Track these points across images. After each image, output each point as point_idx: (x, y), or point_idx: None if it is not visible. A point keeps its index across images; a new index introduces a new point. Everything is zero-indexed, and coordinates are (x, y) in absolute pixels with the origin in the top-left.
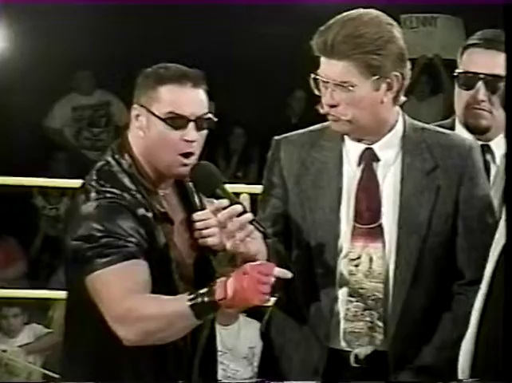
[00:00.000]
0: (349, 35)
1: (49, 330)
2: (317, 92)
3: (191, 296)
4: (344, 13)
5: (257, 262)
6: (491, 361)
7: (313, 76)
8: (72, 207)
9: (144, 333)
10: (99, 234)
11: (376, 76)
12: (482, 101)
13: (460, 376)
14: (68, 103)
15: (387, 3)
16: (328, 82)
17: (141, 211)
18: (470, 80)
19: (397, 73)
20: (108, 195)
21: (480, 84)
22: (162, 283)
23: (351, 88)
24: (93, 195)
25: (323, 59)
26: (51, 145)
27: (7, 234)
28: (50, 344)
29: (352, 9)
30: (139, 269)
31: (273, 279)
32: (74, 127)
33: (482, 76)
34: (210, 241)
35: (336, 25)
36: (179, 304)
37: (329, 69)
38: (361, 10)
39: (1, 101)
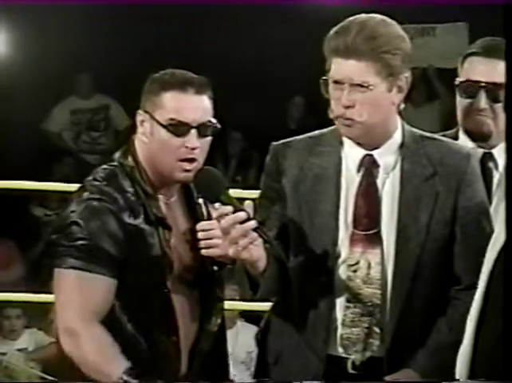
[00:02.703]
0: (369, 35)
1: (52, 340)
2: (326, 96)
3: (125, 373)
4: (353, 17)
5: None
6: (490, 366)
7: (323, 78)
8: (66, 205)
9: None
10: (78, 235)
11: (391, 77)
12: (484, 109)
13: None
14: (67, 106)
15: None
16: (343, 83)
17: (131, 217)
18: (471, 89)
19: (406, 75)
20: (99, 196)
21: (481, 92)
22: (152, 290)
23: (370, 87)
24: (86, 194)
25: (339, 60)
26: (50, 149)
27: (6, 237)
28: (52, 353)
29: (353, 14)
30: (102, 286)
31: None
32: (73, 131)
33: (483, 84)
34: (213, 252)
35: (354, 26)
36: (111, 371)
37: (347, 69)
38: (366, 15)
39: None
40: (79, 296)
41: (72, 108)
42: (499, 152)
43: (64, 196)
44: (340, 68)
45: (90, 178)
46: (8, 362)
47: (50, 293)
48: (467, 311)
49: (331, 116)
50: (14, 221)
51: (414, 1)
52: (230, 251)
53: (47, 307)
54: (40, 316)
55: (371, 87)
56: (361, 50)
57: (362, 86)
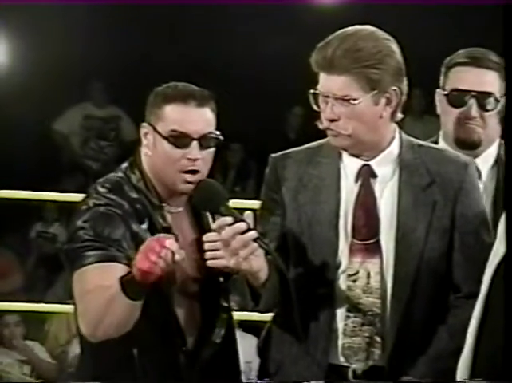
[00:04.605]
0: (349, 50)
1: (52, 362)
2: (316, 108)
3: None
4: (342, 30)
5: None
6: (491, 371)
7: (312, 91)
8: (71, 216)
9: (91, 321)
10: (84, 236)
11: (376, 91)
12: (475, 118)
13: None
14: (81, 110)
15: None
16: (328, 97)
17: (136, 223)
18: (460, 98)
19: (395, 88)
20: (105, 201)
21: (472, 101)
22: (155, 299)
23: (352, 101)
24: (92, 202)
25: (322, 74)
26: (55, 159)
27: (3, 247)
28: (45, 367)
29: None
30: (114, 269)
31: (165, 251)
32: (82, 135)
33: (473, 93)
34: (219, 263)
35: (334, 41)
36: (115, 283)
37: (329, 83)
38: (358, 26)
39: (9, 111)
40: (93, 281)
41: (86, 113)
42: (482, 161)
43: (63, 206)
44: (325, 82)
45: (95, 187)
46: (3, 371)
47: (48, 302)
48: (468, 319)
49: (320, 127)
50: (13, 231)
51: (414, 2)
52: (231, 262)
53: (43, 317)
54: (37, 326)
55: (354, 101)
56: (341, 64)
57: (345, 100)
